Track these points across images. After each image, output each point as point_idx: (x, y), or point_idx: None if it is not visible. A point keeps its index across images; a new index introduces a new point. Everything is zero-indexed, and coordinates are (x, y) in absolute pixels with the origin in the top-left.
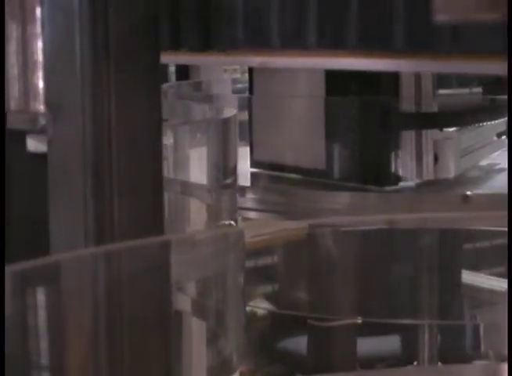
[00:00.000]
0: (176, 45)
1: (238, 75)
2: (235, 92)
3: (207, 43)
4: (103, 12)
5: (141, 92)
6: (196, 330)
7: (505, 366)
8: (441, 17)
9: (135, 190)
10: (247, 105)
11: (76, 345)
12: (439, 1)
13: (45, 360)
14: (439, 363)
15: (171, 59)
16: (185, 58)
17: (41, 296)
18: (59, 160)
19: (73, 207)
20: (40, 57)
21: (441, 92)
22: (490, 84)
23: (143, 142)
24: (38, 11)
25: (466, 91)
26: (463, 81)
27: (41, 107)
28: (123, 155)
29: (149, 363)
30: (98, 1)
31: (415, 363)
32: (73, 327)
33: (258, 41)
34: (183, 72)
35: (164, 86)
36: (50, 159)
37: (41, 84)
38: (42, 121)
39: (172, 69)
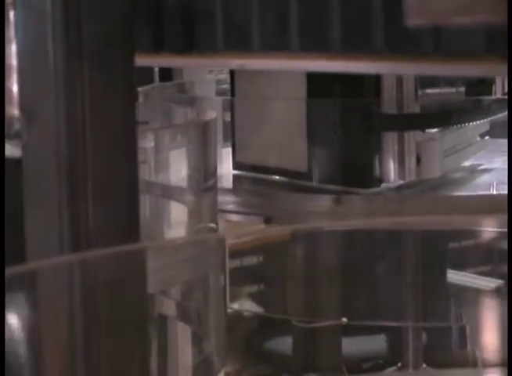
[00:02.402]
0: (158, 47)
1: (224, 76)
2: (220, 92)
3: (188, 45)
4: (76, 15)
5: (115, 95)
6: (179, 333)
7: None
8: (413, 21)
9: (111, 195)
10: (229, 107)
11: (53, 353)
12: (411, 5)
13: (22, 370)
14: (424, 365)
15: (152, 62)
16: (166, 60)
17: (17, 304)
18: (34, 165)
19: (49, 212)
20: (14, 61)
21: (428, 91)
22: (472, 85)
23: (118, 146)
24: (11, 14)
25: (452, 90)
26: (449, 80)
27: (16, 112)
28: (98, 159)
29: (129, 371)
30: (70, 3)
31: (399, 364)
32: (50, 336)
33: (239, 44)
34: (166, 73)
35: (146, 88)
36: (25, 164)
37: (15, 88)
38: (16, 126)
39: (156, 69)
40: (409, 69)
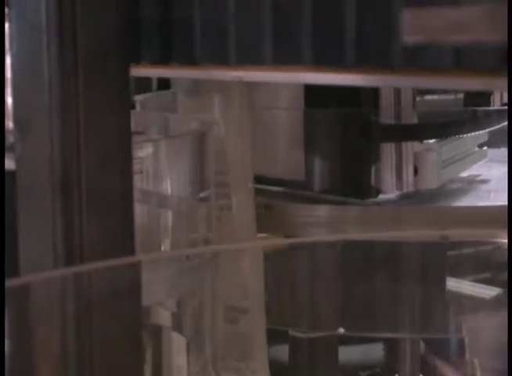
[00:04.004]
0: (136, 58)
1: None
2: None
3: (167, 56)
4: (71, 28)
5: (110, 108)
6: (175, 343)
7: None
8: (410, 38)
9: (105, 207)
10: None
11: (46, 366)
12: (408, 22)
13: None
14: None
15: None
16: (145, 71)
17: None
18: (28, 178)
19: (42, 225)
20: (8, 73)
21: (427, 97)
22: (470, 94)
23: (113, 159)
24: (7, 26)
25: (451, 97)
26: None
27: (10, 124)
28: (92, 172)
29: None
30: (65, 16)
31: (396, 375)
32: (43, 350)
33: (216, 55)
34: (164, 81)
35: (143, 97)
36: (19, 177)
37: (9, 100)
38: (10, 139)
39: (154, 78)
40: (380, 81)
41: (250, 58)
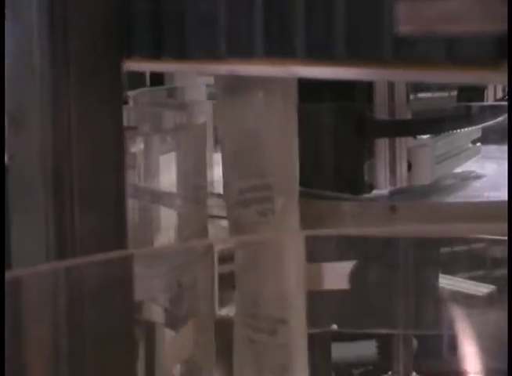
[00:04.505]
0: (127, 52)
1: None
2: (211, 96)
3: (158, 50)
4: (62, 23)
5: (102, 103)
6: (167, 339)
7: None
8: (404, 29)
9: (98, 202)
10: None
11: (37, 360)
12: (402, 13)
13: None
14: (413, 373)
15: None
16: (136, 65)
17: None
18: (21, 173)
19: (35, 220)
20: None
21: (420, 95)
22: (464, 90)
23: (105, 154)
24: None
25: (444, 94)
26: (441, 85)
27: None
28: (85, 167)
29: None
30: (57, 11)
31: (389, 372)
32: (34, 344)
33: (207, 49)
34: (157, 77)
35: (136, 92)
36: (11, 172)
37: None
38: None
39: (147, 73)
40: (372, 75)
41: (241, 51)
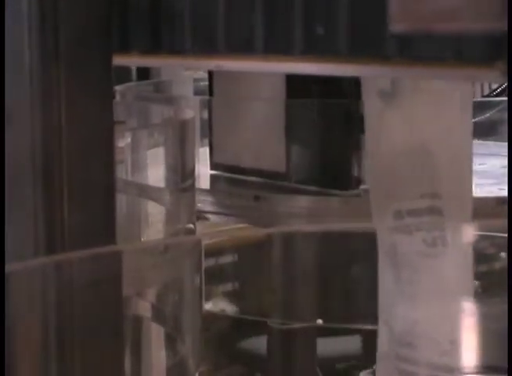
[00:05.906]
0: (125, 47)
1: (201, 73)
2: (199, 90)
3: (156, 45)
4: (52, 17)
5: (92, 97)
6: (154, 334)
7: None
8: (397, 27)
9: (87, 196)
10: (207, 107)
11: (26, 355)
12: (395, 10)
13: None
14: None
15: (119, 61)
16: (134, 60)
17: None
18: (10, 168)
19: (24, 214)
20: None
21: None
22: None
23: (95, 148)
24: None
25: None
26: None
27: None
28: (74, 162)
29: (103, 373)
30: (47, 5)
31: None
32: (23, 339)
33: (206, 45)
34: (144, 71)
35: (123, 86)
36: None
37: None
38: None
39: (133, 68)
40: (374, 72)
41: (240, 47)
